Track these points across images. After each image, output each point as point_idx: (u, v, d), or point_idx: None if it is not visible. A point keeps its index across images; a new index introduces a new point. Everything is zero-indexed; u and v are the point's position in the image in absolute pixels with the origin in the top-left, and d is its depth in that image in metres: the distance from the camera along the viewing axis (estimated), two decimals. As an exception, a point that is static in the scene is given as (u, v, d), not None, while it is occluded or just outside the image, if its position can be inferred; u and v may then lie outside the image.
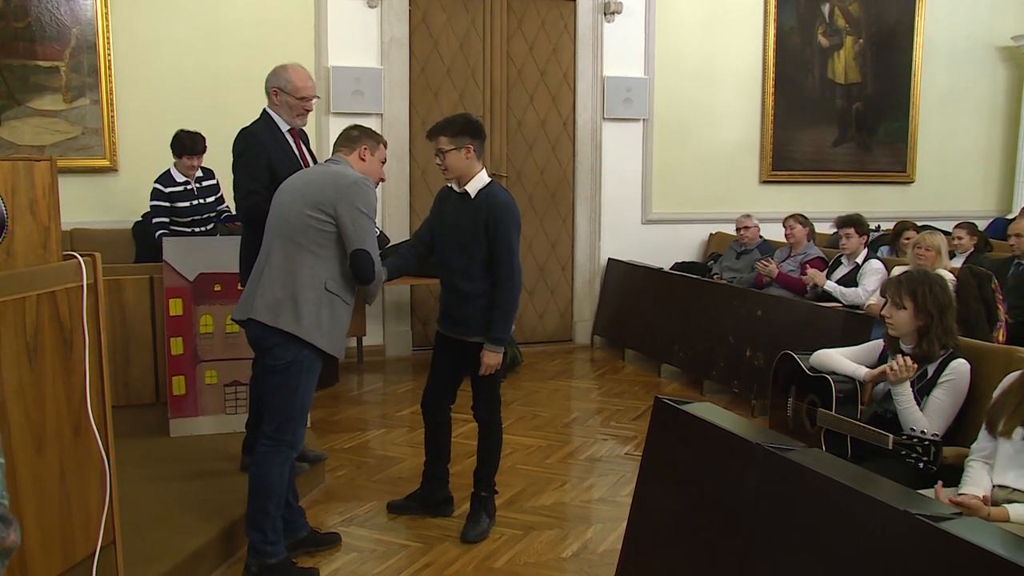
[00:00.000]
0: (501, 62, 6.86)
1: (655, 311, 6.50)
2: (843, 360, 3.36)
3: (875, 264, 5.43)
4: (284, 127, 3.74)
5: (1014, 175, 8.58)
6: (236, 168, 3.66)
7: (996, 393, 2.71)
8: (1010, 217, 7.22)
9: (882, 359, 3.27)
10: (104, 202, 5.93)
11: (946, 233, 5.69)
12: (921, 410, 3.01)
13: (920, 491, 2.32)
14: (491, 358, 3.46)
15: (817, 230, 6.32)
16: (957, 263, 5.49)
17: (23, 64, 5.71)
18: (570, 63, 7.07)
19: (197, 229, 5.22)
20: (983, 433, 2.69)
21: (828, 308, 5.15)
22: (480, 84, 6.80)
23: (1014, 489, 2.56)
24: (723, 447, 2.32)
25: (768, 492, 2.13)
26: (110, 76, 5.87)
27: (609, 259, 7.31)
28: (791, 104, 7.84)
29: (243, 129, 3.70)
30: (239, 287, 3.69)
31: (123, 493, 2.75)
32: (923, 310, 3.07)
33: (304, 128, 3.90)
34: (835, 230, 5.88)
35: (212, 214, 5.31)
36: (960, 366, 3.03)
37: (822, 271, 5.69)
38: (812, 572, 1.97)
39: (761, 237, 6.67)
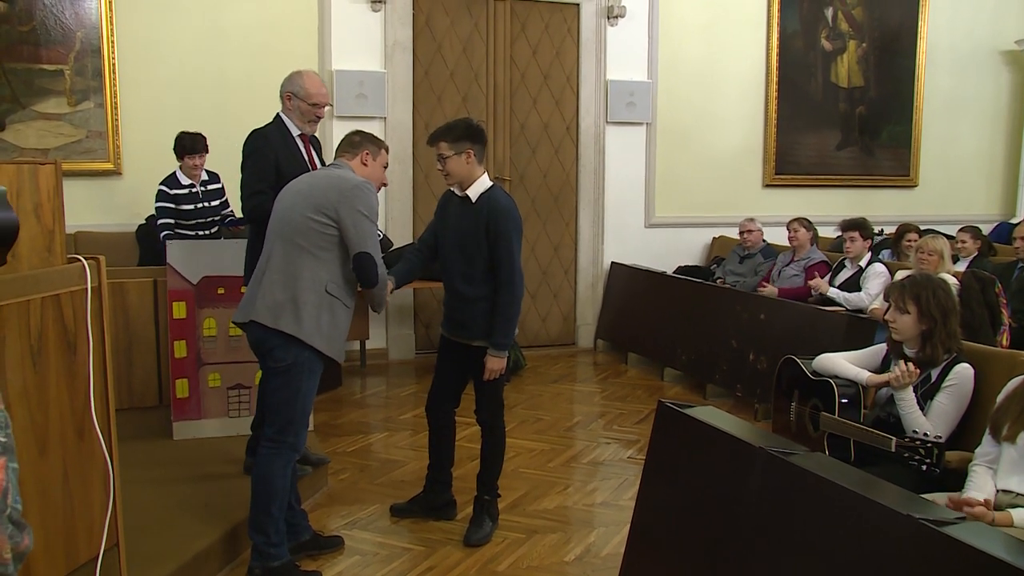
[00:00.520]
0: (504, 66, 6.87)
1: (658, 315, 6.50)
2: (846, 364, 3.36)
3: (878, 268, 5.42)
4: (295, 132, 3.78)
5: (1017, 179, 8.56)
6: (244, 168, 3.71)
7: (1000, 398, 2.70)
8: (1014, 221, 7.21)
9: (885, 363, 3.26)
10: (108, 205, 5.94)
11: (950, 237, 5.68)
12: (925, 415, 3.01)
13: (923, 495, 2.31)
14: (494, 363, 3.46)
15: (820, 234, 6.31)
16: (961, 267, 5.49)
17: (28, 68, 5.73)
18: (573, 67, 7.07)
19: (201, 232, 5.23)
20: (987, 438, 2.69)
21: (831, 312, 5.15)
22: (483, 88, 6.81)
23: (1018, 494, 2.55)
24: (726, 451, 2.32)
25: (771, 496, 2.13)
26: (114, 80, 5.88)
27: (612, 263, 7.31)
28: (794, 108, 7.84)
29: (254, 130, 3.75)
30: (243, 289, 3.69)
31: (126, 496, 2.76)
32: (927, 314, 3.06)
33: (316, 135, 3.93)
34: (839, 233, 5.88)
35: (216, 218, 5.32)
36: (964, 370, 3.02)
37: (825, 275, 5.69)
38: (815, 576, 1.96)
39: (764, 241, 6.67)
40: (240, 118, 4.49)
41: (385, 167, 3.38)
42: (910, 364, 3.04)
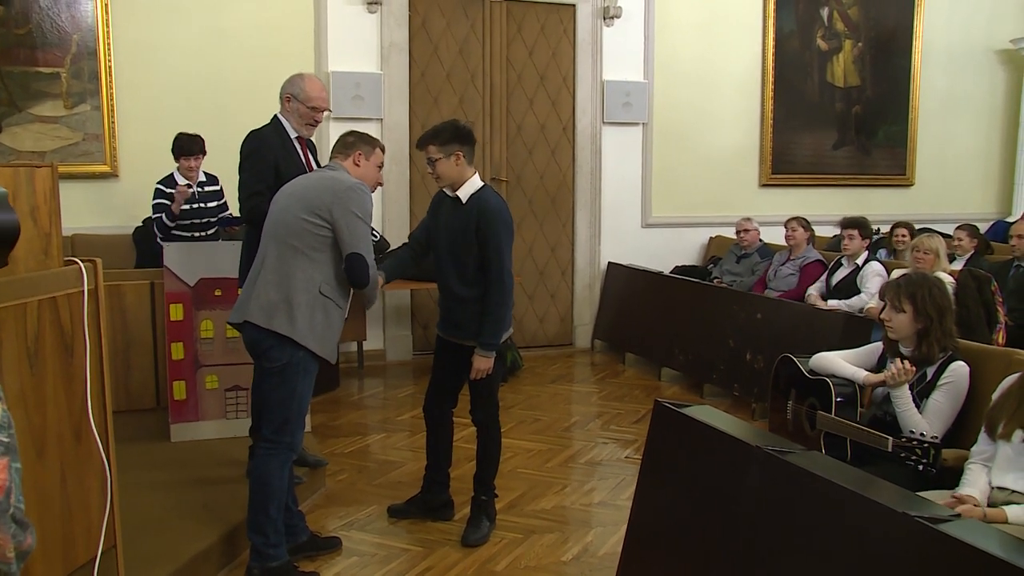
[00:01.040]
0: (501, 67, 6.87)
1: (655, 315, 6.50)
2: (842, 363, 3.37)
3: (876, 266, 5.43)
4: (292, 134, 3.77)
5: (1013, 177, 8.59)
6: (242, 168, 3.70)
7: (995, 395, 2.71)
8: (1010, 219, 7.23)
9: (881, 361, 3.27)
10: (105, 208, 5.94)
11: (947, 236, 5.69)
12: (920, 413, 3.02)
13: (919, 493, 2.32)
14: (481, 362, 3.46)
15: (816, 233, 6.32)
16: (958, 265, 5.50)
17: (24, 71, 5.73)
18: (569, 67, 7.08)
19: (197, 233, 5.23)
20: (983, 436, 2.69)
21: (828, 311, 5.16)
22: (480, 89, 6.82)
23: (1013, 491, 2.56)
24: (723, 450, 2.32)
25: (768, 495, 2.13)
26: (111, 82, 5.88)
27: (609, 263, 7.32)
28: (790, 108, 7.85)
29: (252, 131, 3.74)
30: (239, 290, 3.69)
31: (124, 498, 2.75)
32: (922, 313, 3.07)
33: (312, 139, 3.92)
34: (838, 231, 5.88)
35: (213, 219, 5.32)
36: (959, 368, 3.04)
37: (820, 275, 5.71)
38: (812, 574, 1.97)
39: (761, 240, 6.68)
40: (237, 120, 4.49)
41: (380, 166, 3.37)
42: (906, 362, 3.05)
